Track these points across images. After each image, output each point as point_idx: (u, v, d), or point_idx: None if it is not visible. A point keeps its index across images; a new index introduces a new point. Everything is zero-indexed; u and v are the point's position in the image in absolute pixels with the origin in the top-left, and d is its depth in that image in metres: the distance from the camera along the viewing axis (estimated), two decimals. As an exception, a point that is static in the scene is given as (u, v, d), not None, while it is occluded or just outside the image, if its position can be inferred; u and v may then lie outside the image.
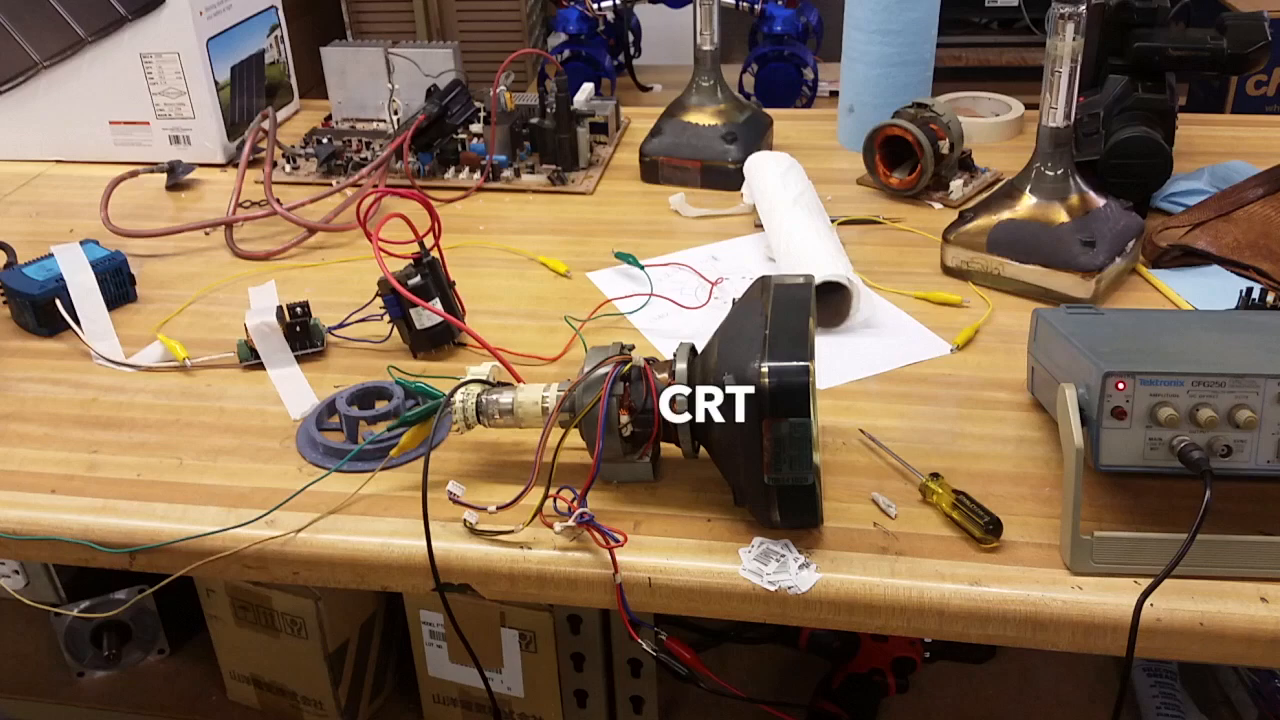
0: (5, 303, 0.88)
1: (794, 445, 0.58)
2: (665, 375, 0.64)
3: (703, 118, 1.07)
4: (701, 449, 0.65)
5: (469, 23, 2.42)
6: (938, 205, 1.01)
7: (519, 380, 0.71)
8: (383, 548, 0.64)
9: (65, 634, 0.94)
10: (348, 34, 2.46)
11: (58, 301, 0.84)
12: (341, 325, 0.84)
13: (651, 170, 1.08)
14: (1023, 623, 0.58)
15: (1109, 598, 0.57)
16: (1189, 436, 0.57)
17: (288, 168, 1.13)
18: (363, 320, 0.84)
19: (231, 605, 0.92)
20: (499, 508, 0.63)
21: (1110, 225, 0.84)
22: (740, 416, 0.59)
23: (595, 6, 2.16)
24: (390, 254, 0.81)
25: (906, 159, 1.01)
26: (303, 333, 0.81)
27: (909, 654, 0.95)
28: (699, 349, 0.66)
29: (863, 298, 0.82)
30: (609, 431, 0.63)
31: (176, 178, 1.11)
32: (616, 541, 0.61)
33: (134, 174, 1.06)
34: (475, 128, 1.12)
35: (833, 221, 0.96)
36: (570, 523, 0.61)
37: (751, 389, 0.58)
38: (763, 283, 0.66)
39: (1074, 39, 0.79)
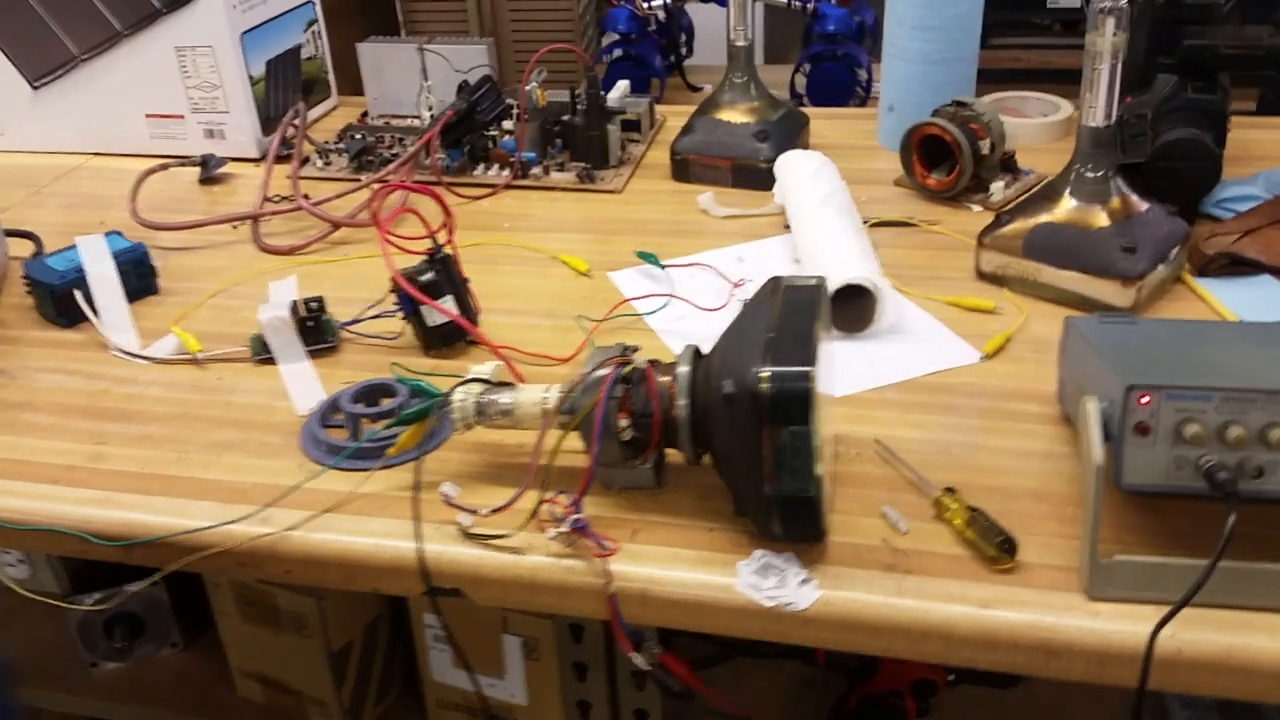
0: (29, 292, 0.88)
1: (795, 455, 0.56)
2: (668, 379, 0.62)
3: (735, 115, 1.04)
4: (706, 456, 0.62)
5: (521, 21, 2.42)
6: (977, 208, 0.97)
7: (521, 380, 0.70)
8: (375, 549, 0.62)
9: (78, 625, 0.94)
10: (401, 33, 2.47)
11: (76, 292, 0.85)
12: (355, 321, 0.82)
13: (682, 169, 1.05)
14: (1034, 650, 0.54)
15: (1127, 626, 0.54)
16: (1217, 456, 0.53)
17: (320, 163, 1.12)
18: (377, 316, 0.83)
19: (237, 601, 0.91)
20: (492, 511, 0.61)
21: (1153, 231, 0.80)
22: (739, 424, 0.56)
23: (645, 6, 2.14)
24: (405, 250, 0.80)
25: (945, 159, 0.98)
26: (315, 328, 0.80)
27: (931, 676, 0.92)
28: (706, 352, 0.63)
29: (888, 302, 0.79)
30: (607, 435, 0.61)
31: (209, 172, 1.11)
32: (608, 550, 0.58)
33: (164, 167, 1.06)
34: (508, 124, 1.11)
35: (865, 223, 0.93)
36: (563, 529, 0.60)
37: (751, 395, 0.56)
38: (774, 284, 0.64)
39: (1114, 35, 0.75)
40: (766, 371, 0.56)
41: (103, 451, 0.71)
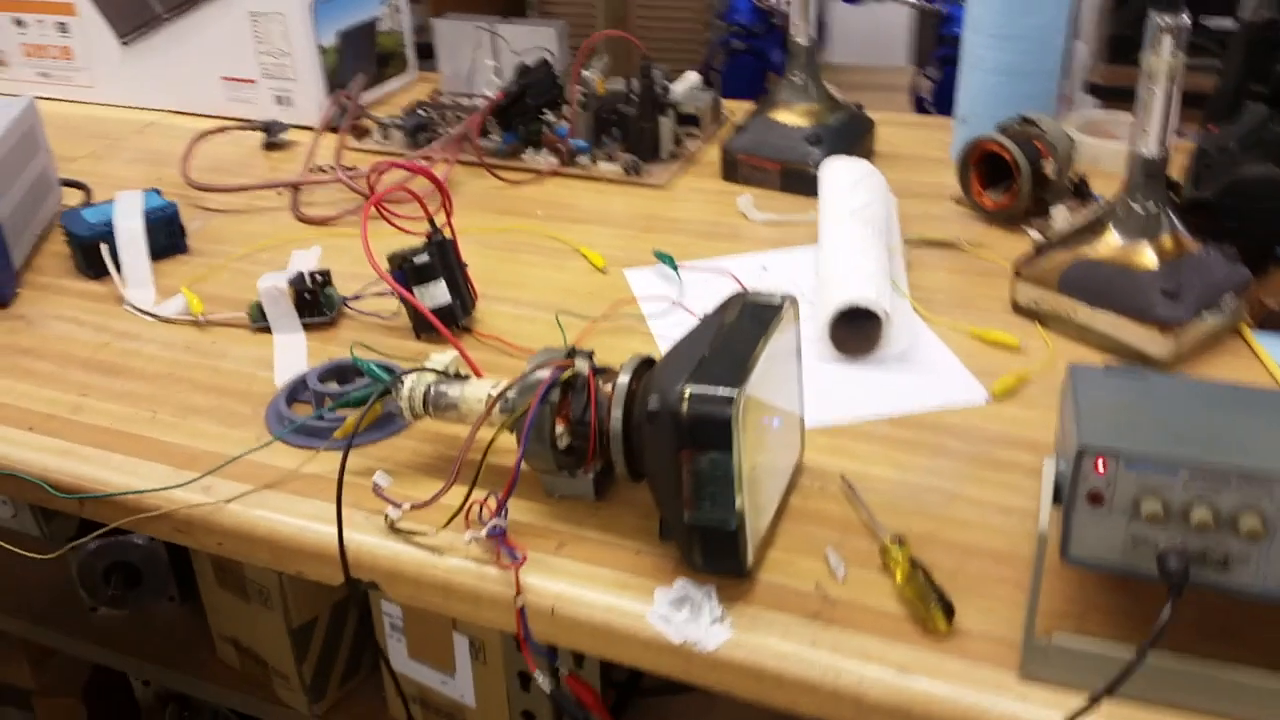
0: (67, 242, 0.91)
1: (714, 483, 0.52)
2: (610, 387, 0.59)
3: (790, 117, 1.00)
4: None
5: (648, 8, 2.40)
6: (1035, 234, 0.90)
7: (478, 373, 0.67)
8: (299, 531, 0.61)
9: (78, 568, 0.97)
10: (528, 14, 2.48)
11: (103, 245, 0.86)
12: (356, 298, 0.82)
13: (732, 168, 1.01)
14: (948, 727, 0.49)
15: (1053, 715, 0.48)
16: (1180, 540, 0.47)
17: (379, 137, 1.12)
18: (381, 294, 0.82)
19: (211, 565, 0.93)
20: (414, 506, 0.59)
21: (1203, 275, 0.72)
22: (662, 443, 0.53)
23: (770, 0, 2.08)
24: (406, 230, 0.79)
25: (1005, 178, 0.91)
26: (313, 300, 0.80)
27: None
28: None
29: (895, 327, 0.73)
30: (542, 441, 0.59)
31: (273, 137, 1.12)
32: (514, 561, 0.56)
33: (223, 130, 1.08)
34: (569, 110, 1.08)
35: (902, 241, 0.87)
36: (480, 533, 0.57)
37: (672, 414, 0.52)
38: (737, 299, 0.60)
39: (1172, 55, 0.67)
40: (689, 391, 0.52)
41: (83, 404, 0.73)
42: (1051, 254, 0.77)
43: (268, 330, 0.80)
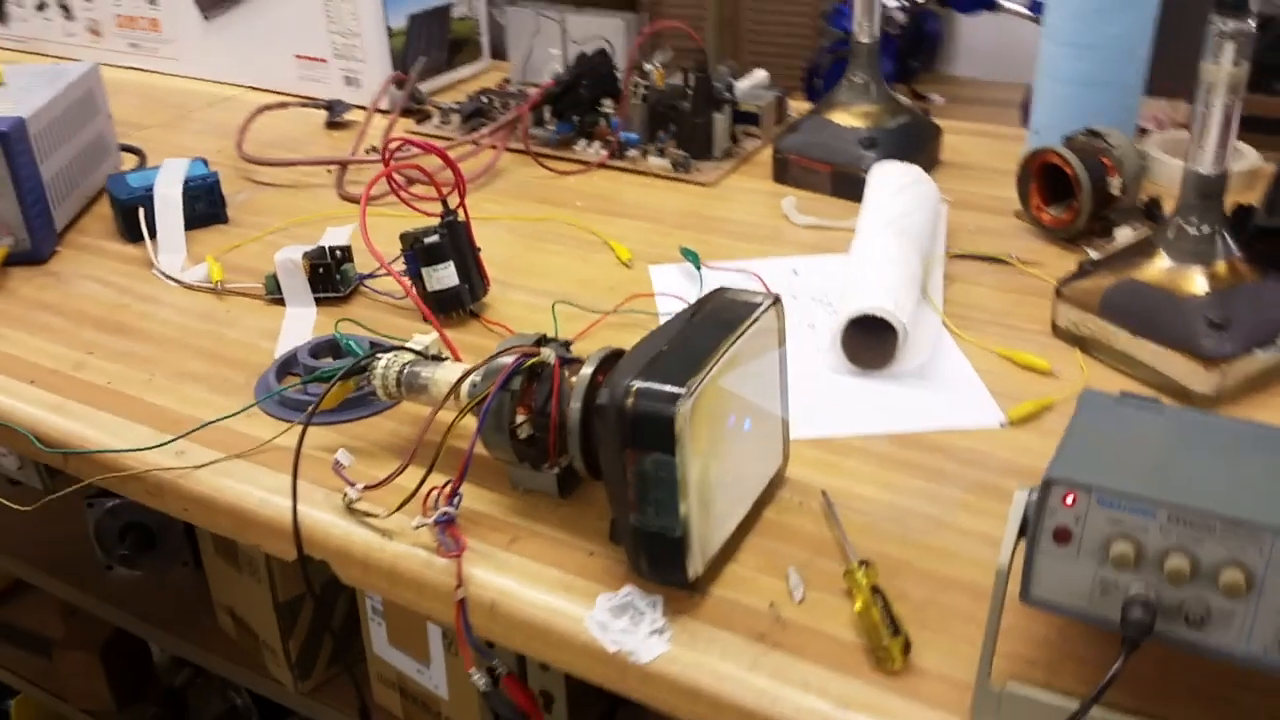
0: (111, 205, 0.92)
1: (659, 487, 0.49)
2: (575, 379, 0.56)
3: (847, 118, 0.95)
4: (612, 472, 0.56)
5: (760, 10, 2.36)
6: (1096, 254, 0.84)
7: (457, 357, 0.65)
8: (260, 503, 0.60)
9: (95, 526, 0.99)
10: (637, 10, 2.47)
11: (140, 210, 0.88)
12: (371, 275, 0.81)
13: (782, 169, 0.97)
14: (882, 772, 0.45)
15: (994, 771, 0.43)
16: (1154, 591, 0.42)
17: (438, 121, 1.12)
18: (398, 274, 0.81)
19: (210, 532, 0.93)
20: (367, 486, 0.58)
21: (1259, 308, 0.66)
22: (609, 441, 0.50)
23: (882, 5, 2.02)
24: (424, 213, 0.78)
25: (1068, 194, 0.85)
26: (327, 275, 0.79)
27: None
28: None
29: (913, 341, 0.69)
30: (499, 430, 0.56)
31: (335, 116, 1.13)
32: (451, 550, 0.53)
33: (284, 105, 1.09)
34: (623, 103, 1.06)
35: (951, 253, 0.82)
36: (429, 520, 0.55)
37: (618, 410, 0.49)
38: (715, 295, 0.57)
39: (1235, 64, 0.61)
40: (635, 386, 0.49)
41: (86, 361, 0.73)
42: (1096, 275, 0.71)
43: (280, 303, 0.80)
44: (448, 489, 0.56)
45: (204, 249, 0.88)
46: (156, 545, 0.99)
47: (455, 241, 0.76)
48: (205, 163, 0.94)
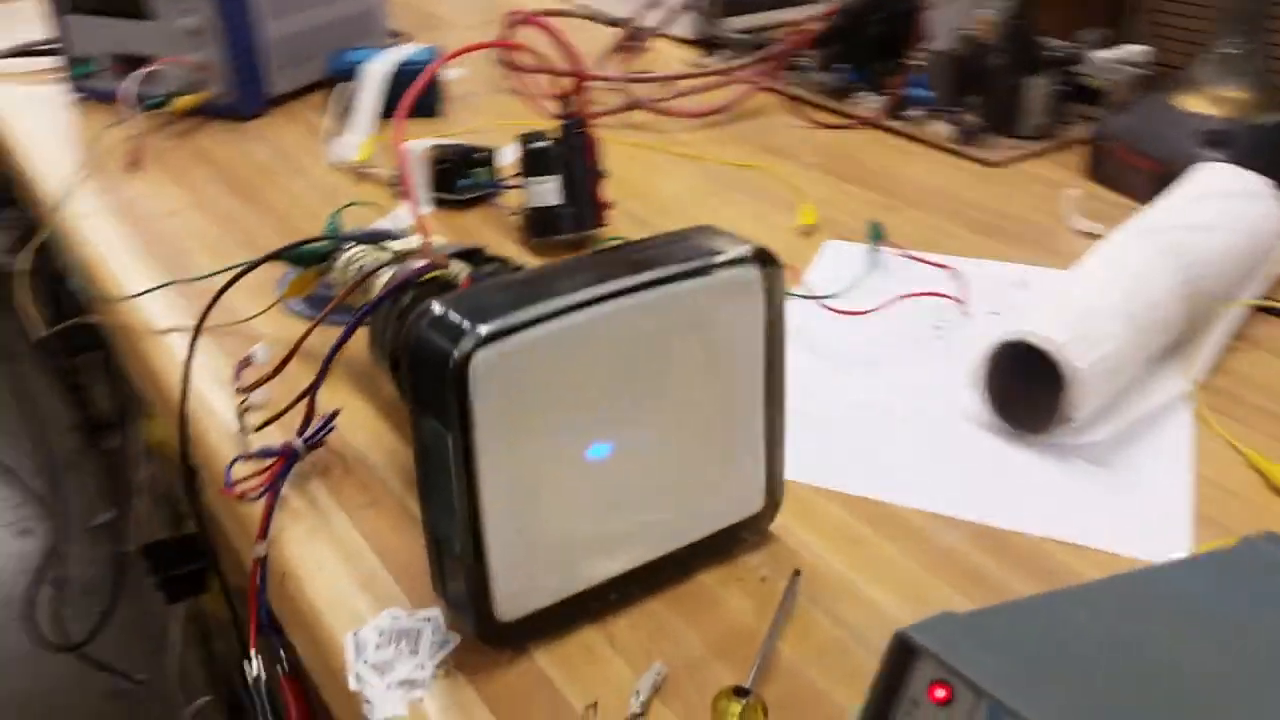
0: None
1: (438, 474, 0.32)
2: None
3: (1198, 102, 0.67)
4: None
5: None
6: None
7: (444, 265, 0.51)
8: (174, 383, 0.51)
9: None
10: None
11: (339, 85, 0.83)
12: (495, 184, 0.69)
13: (1100, 160, 0.71)
14: None
15: None
16: None
17: (728, 53, 0.97)
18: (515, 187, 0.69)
19: None
20: (242, 389, 0.46)
21: None
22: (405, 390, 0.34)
23: None
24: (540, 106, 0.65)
25: None
26: (449, 174, 0.69)
27: None
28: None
29: (1094, 400, 0.44)
30: (381, 352, 0.42)
31: (632, 40, 1.02)
32: (243, 493, 0.40)
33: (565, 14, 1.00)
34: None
35: (1255, 304, 0.54)
36: (271, 446, 0.42)
37: (406, 344, 0.33)
38: (694, 231, 0.38)
39: None
40: (433, 311, 0.32)
41: (184, 205, 0.69)
42: None
43: (407, 196, 0.70)
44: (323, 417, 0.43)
45: (390, 136, 0.81)
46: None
47: (568, 155, 0.61)
48: (434, 51, 0.87)
